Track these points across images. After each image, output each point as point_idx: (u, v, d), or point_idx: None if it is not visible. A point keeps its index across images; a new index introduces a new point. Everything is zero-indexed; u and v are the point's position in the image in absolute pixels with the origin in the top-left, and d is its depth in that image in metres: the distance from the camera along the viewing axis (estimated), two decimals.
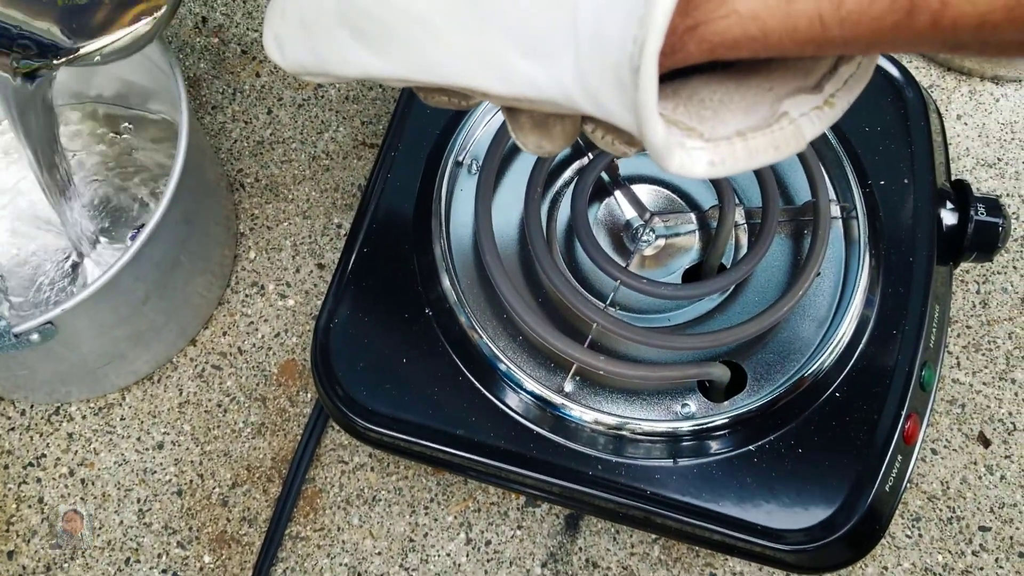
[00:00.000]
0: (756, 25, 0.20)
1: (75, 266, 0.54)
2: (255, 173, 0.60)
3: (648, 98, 0.20)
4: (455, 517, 0.52)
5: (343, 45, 0.25)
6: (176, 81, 0.46)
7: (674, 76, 0.24)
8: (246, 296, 0.57)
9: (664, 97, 0.23)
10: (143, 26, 0.41)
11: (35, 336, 0.42)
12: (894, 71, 0.51)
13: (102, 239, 0.55)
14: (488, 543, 0.51)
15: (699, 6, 0.20)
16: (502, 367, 0.44)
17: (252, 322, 0.56)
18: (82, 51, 0.41)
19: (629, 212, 0.49)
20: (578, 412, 0.43)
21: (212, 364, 0.55)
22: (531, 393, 0.44)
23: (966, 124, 0.63)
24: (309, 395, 0.54)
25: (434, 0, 0.22)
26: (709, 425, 0.43)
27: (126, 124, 0.58)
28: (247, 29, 0.64)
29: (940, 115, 0.52)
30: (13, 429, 0.53)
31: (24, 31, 0.40)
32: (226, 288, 0.57)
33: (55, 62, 0.41)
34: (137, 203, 0.57)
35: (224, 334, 0.55)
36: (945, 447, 0.54)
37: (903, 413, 0.43)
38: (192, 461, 0.52)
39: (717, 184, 0.49)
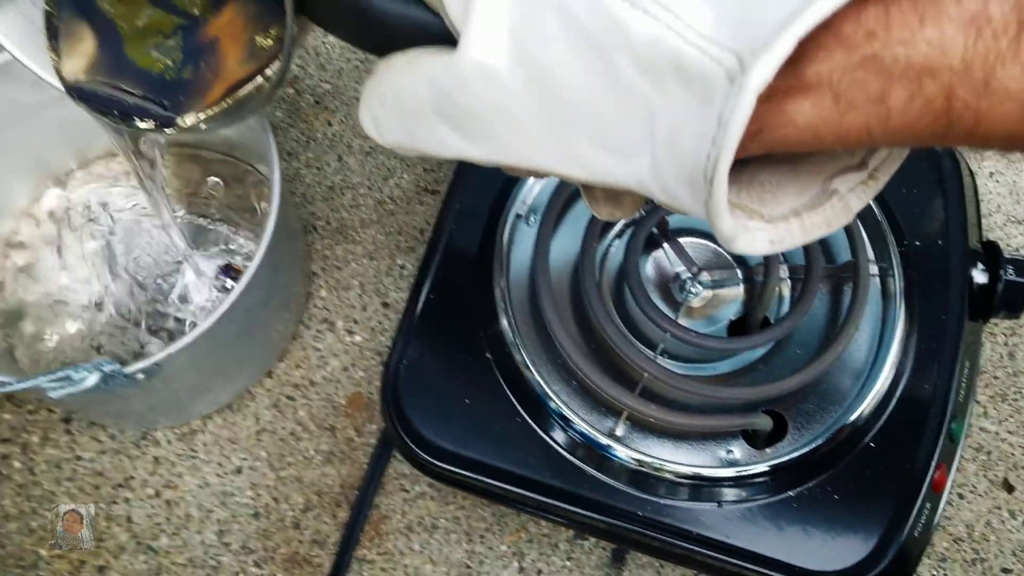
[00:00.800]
0: (812, 134, 0.23)
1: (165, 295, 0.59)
2: (326, 216, 0.65)
3: (719, 199, 0.23)
4: (508, 547, 0.55)
5: (439, 132, 0.28)
6: (268, 141, 0.50)
7: (734, 162, 0.28)
8: (317, 332, 0.61)
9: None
10: (248, 97, 0.45)
11: (141, 376, 0.46)
12: None
13: (194, 252, 0.59)
14: (539, 572, 0.55)
15: (760, 116, 0.23)
16: (556, 409, 0.48)
17: (323, 356, 0.60)
18: (189, 123, 0.45)
19: (678, 265, 0.53)
20: (628, 455, 0.47)
21: (286, 395, 0.59)
22: (583, 435, 0.48)
23: (997, 182, 0.66)
24: (374, 426, 0.58)
25: (526, 104, 0.25)
26: (752, 472, 0.46)
27: (209, 168, 0.63)
28: (319, 80, 0.69)
29: (974, 177, 0.55)
30: (104, 452, 0.57)
31: (129, 104, 0.44)
32: (299, 324, 0.61)
33: (165, 132, 0.45)
34: (215, 238, 0.61)
35: (297, 367, 0.60)
36: (971, 492, 0.57)
37: (932, 463, 0.46)
38: (268, 485, 0.57)
39: None
